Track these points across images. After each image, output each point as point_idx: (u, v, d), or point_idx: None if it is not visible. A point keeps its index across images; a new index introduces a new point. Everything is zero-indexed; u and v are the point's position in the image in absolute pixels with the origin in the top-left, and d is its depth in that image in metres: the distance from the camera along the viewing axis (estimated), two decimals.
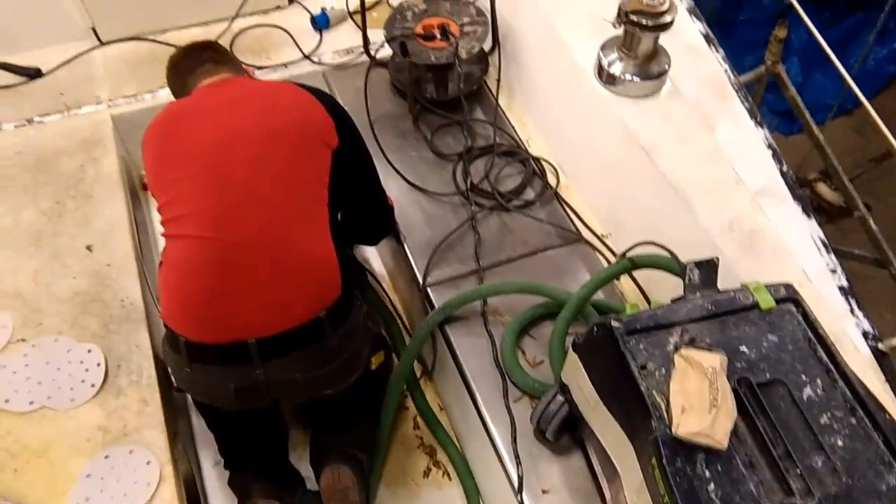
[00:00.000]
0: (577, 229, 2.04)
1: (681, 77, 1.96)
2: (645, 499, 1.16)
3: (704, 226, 1.69)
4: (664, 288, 1.56)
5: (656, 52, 1.93)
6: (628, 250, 1.60)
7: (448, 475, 1.91)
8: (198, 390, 1.65)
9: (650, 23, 1.81)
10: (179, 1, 2.52)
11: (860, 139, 3.68)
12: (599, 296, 1.77)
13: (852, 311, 1.57)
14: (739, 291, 1.31)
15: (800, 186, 1.79)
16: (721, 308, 1.28)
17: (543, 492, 1.55)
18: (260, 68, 2.43)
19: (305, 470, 1.80)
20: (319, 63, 2.49)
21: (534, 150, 2.25)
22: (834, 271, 1.62)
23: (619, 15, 1.85)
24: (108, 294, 1.85)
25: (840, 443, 1.15)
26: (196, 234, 1.49)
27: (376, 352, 1.82)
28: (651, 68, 1.93)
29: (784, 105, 3.08)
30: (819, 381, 1.21)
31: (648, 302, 1.83)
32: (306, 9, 2.64)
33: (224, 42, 2.46)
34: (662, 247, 1.54)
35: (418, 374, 2.04)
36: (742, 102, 1.92)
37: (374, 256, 2.33)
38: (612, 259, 1.94)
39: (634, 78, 1.92)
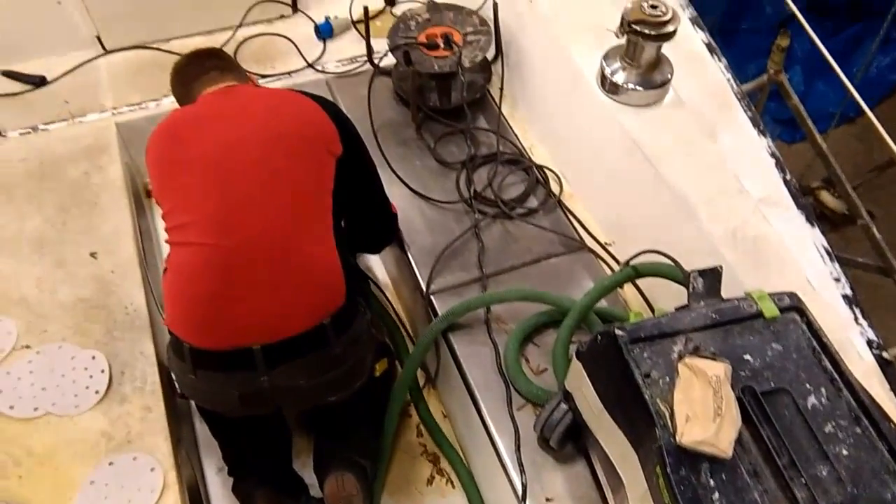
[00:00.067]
0: (581, 237, 2.04)
1: (683, 86, 1.97)
2: None
3: (708, 234, 1.69)
4: (667, 296, 1.56)
5: (659, 62, 1.94)
6: (632, 259, 1.60)
7: (451, 483, 1.91)
8: (202, 397, 1.66)
9: (653, 32, 1.82)
10: (184, 10, 2.54)
11: (863, 147, 3.68)
12: (603, 304, 1.77)
13: (856, 319, 1.57)
14: (743, 300, 1.31)
15: (803, 195, 1.79)
16: (725, 317, 1.28)
17: (547, 500, 1.55)
18: (264, 77, 2.44)
19: (309, 477, 1.80)
20: (323, 72, 2.50)
21: (537, 158, 2.25)
22: (838, 280, 1.62)
23: (621, 24, 1.85)
24: (113, 301, 1.86)
25: (845, 452, 1.15)
26: (200, 241, 1.50)
27: (380, 359, 1.82)
28: (654, 77, 1.93)
29: (787, 113, 3.09)
30: (823, 390, 1.21)
31: (652, 310, 1.83)
32: (310, 18, 2.65)
33: (228, 51, 2.48)
34: (666, 255, 1.55)
35: (422, 382, 2.04)
36: (745, 111, 1.92)
37: (377, 265, 2.34)
38: (616, 267, 1.94)
39: (637, 87, 1.93)
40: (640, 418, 1.19)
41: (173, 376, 1.67)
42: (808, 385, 1.22)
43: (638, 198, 1.93)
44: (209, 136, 1.57)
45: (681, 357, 1.22)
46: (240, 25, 2.61)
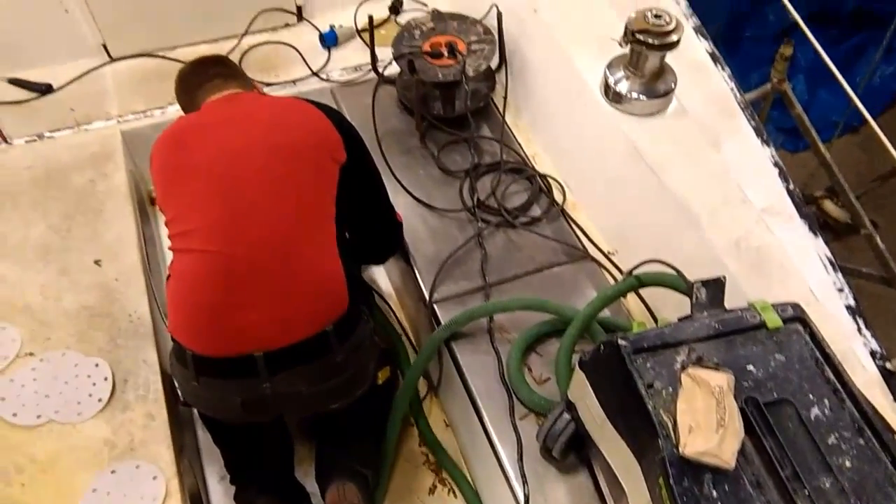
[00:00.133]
0: (584, 246, 2.04)
1: (687, 95, 1.97)
2: None
3: (711, 244, 1.69)
4: (670, 306, 1.56)
5: (662, 71, 1.94)
6: (635, 268, 1.60)
7: (454, 492, 1.90)
8: (204, 404, 1.66)
9: (656, 42, 1.82)
10: (189, 18, 2.55)
11: (866, 156, 3.68)
12: (606, 313, 1.77)
13: (859, 330, 1.56)
14: (746, 311, 1.31)
15: (806, 204, 1.79)
16: (728, 327, 1.28)
17: None
18: (269, 85, 2.45)
19: (311, 486, 1.80)
20: (328, 80, 2.51)
21: (540, 167, 2.26)
22: (841, 290, 1.62)
23: (625, 34, 1.86)
24: (116, 308, 1.86)
25: (848, 464, 1.14)
26: (203, 248, 1.50)
27: (382, 367, 1.82)
28: (657, 87, 1.94)
29: (790, 122, 3.09)
30: (826, 401, 1.21)
31: (655, 320, 1.83)
32: (315, 26, 2.67)
33: (233, 59, 2.47)
34: (669, 265, 1.54)
35: (424, 391, 2.04)
36: (748, 121, 1.93)
37: (380, 274, 2.34)
38: (619, 276, 1.94)
39: (641, 96, 1.93)
40: (643, 429, 1.18)
41: (176, 383, 1.68)
42: (811, 396, 1.21)
43: (641, 207, 1.93)
44: (213, 144, 1.58)
45: (684, 367, 1.22)
46: (245, 34, 2.62)
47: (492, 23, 2.34)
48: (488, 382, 1.75)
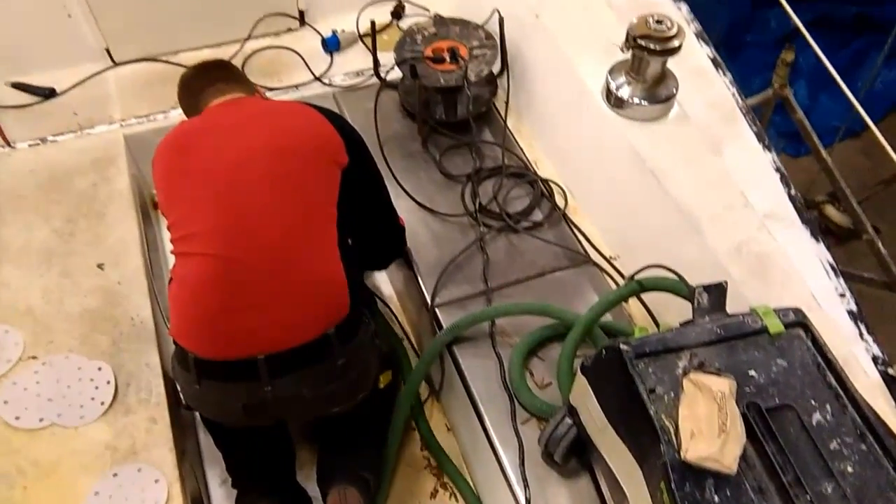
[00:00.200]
0: (586, 251, 2.05)
1: (689, 101, 1.98)
2: None
3: (713, 249, 1.69)
4: (672, 310, 1.56)
5: (664, 76, 1.94)
6: (637, 273, 1.60)
7: (455, 497, 1.90)
8: (206, 407, 1.66)
9: (658, 47, 1.83)
10: (192, 23, 2.56)
11: (868, 161, 3.68)
12: (608, 318, 1.77)
13: (861, 335, 1.56)
14: (748, 315, 1.31)
15: (808, 209, 1.79)
16: (730, 332, 1.28)
17: None
18: (271, 89, 2.46)
19: (312, 490, 1.80)
20: (330, 85, 2.52)
21: (542, 171, 2.26)
22: (843, 295, 1.62)
23: (627, 39, 1.87)
24: (119, 312, 1.86)
25: (850, 469, 1.14)
26: (205, 251, 1.50)
27: (384, 371, 1.82)
28: (659, 92, 1.94)
29: (792, 127, 3.09)
30: (828, 407, 1.21)
31: (657, 324, 1.83)
32: (318, 31, 2.68)
33: (236, 63, 2.49)
34: (671, 270, 1.55)
35: (426, 395, 2.04)
36: (750, 126, 1.93)
37: (382, 278, 2.34)
38: (621, 281, 1.94)
39: (642, 101, 1.93)
40: (645, 434, 1.18)
41: (178, 387, 1.68)
42: (812, 401, 1.21)
43: (643, 212, 1.94)
44: (215, 148, 1.58)
45: (686, 372, 1.22)
46: (248, 38, 2.63)
47: (494, 28, 2.34)
48: (490, 387, 1.75)
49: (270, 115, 1.68)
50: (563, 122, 2.26)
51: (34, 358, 1.77)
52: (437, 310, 1.91)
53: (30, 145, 2.28)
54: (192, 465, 1.82)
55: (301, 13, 2.70)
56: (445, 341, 1.82)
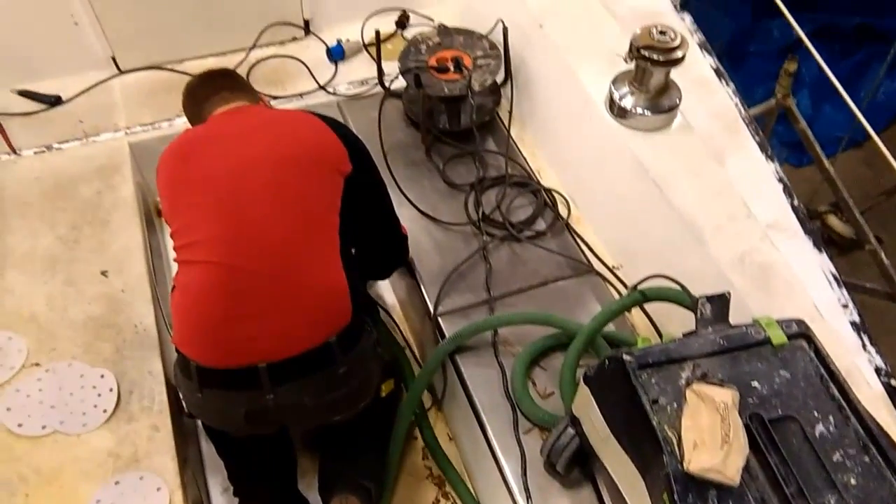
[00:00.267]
0: (588, 261, 2.05)
1: (692, 111, 1.98)
2: None
3: (715, 259, 1.69)
4: (675, 321, 1.56)
5: (667, 87, 1.95)
6: (640, 283, 1.60)
7: None
8: (208, 415, 1.66)
9: (661, 58, 1.83)
10: (198, 32, 2.57)
11: (871, 172, 3.68)
12: (610, 328, 1.77)
13: (864, 346, 1.56)
14: (751, 326, 1.31)
15: (810, 219, 1.79)
16: (733, 343, 1.28)
17: None
18: (276, 98, 2.47)
19: (314, 498, 1.80)
20: (334, 93, 2.53)
21: (545, 181, 2.26)
22: (846, 306, 1.62)
23: (630, 50, 1.87)
24: (122, 319, 1.87)
25: (853, 481, 1.14)
26: (207, 259, 1.51)
27: (386, 379, 1.82)
28: (662, 102, 1.94)
29: (795, 136, 3.09)
30: (831, 418, 1.21)
31: (660, 335, 1.83)
32: (322, 41, 2.69)
33: (241, 72, 2.51)
34: (674, 280, 1.55)
35: (428, 404, 2.04)
36: (753, 136, 1.94)
37: (385, 287, 2.34)
38: (623, 291, 1.95)
39: (645, 112, 1.94)
40: (648, 444, 1.18)
41: (180, 395, 1.68)
42: (815, 413, 1.21)
43: (646, 222, 1.94)
44: (218, 156, 1.58)
45: (689, 383, 1.22)
46: (253, 47, 2.64)
47: (497, 38, 2.36)
48: (492, 396, 1.75)
49: (274, 123, 1.68)
50: (567, 132, 2.26)
51: (37, 365, 1.77)
52: (439, 319, 1.91)
53: (35, 153, 2.28)
54: (194, 473, 1.82)
55: (306, 22, 2.71)
56: (448, 350, 1.82)
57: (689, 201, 1.80)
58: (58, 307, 1.88)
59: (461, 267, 2.00)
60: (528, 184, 2.22)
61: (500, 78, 2.39)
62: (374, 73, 2.47)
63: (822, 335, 1.32)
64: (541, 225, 2.13)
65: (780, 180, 1.84)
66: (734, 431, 1.13)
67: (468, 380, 1.79)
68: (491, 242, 2.06)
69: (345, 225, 1.61)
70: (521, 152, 2.34)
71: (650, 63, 1.85)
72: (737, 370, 1.25)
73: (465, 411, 1.79)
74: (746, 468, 1.13)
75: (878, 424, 1.20)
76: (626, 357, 1.25)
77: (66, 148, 2.31)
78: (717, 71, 2.10)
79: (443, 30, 2.42)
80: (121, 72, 2.57)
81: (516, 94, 2.38)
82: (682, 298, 1.55)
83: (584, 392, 1.39)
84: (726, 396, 1.18)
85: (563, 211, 2.18)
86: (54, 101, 2.45)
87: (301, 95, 2.51)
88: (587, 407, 1.38)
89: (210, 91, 1.76)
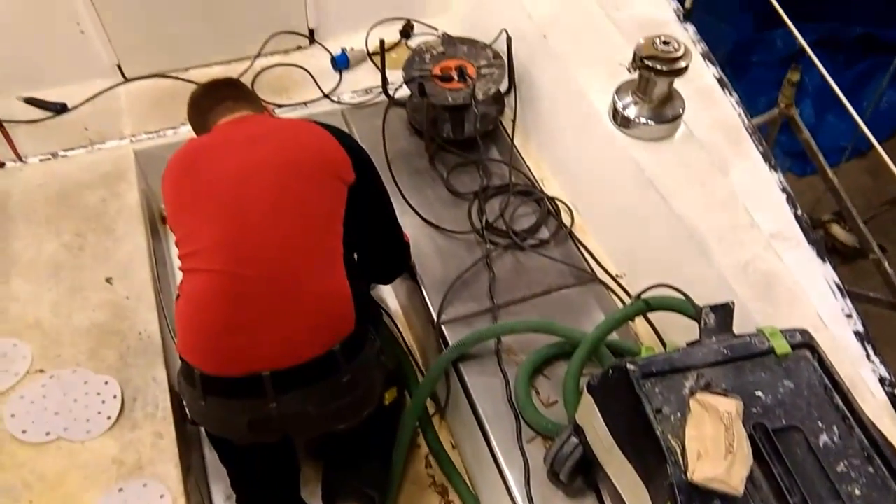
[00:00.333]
0: (592, 269, 2.05)
1: (695, 120, 1.99)
2: None
3: (719, 269, 1.69)
4: (678, 330, 1.56)
5: (671, 97, 1.95)
6: (643, 292, 1.60)
7: None
8: (212, 423, 1.66)
9: (665, 68, 1.84)
10: (203, 40, 2.59)
11: (874, 181, 3.68)
12: (614, 337, 1.77)
13: (868, 356, 1.56)
14: (755, 336, 1.31)
15: (814, 228, 1.79)
16: (737, 353, 1.28)
17: None
18: (280, 106, 2.48)
19: None
20: (339, 102, 2.54)
21: (549, 189, 2.27)
22: (849, 316, 1.62)
23: (633, 60, 1.88)
24: (127, 326, 1.87)
25: (857, 492, 1.14)
26: (211, 267, 1.51)
27: (389, 387, 1.82)
28: (665, 112, 1.95)
29: (798, 146, 3.10)
30: (835, 429, 1.21)
31: (663, 344, 1.83)
32: (327, 49, 2.70)
33: (246, 80, 2.52)
34: (677, 290, 1.55)
35: (431, 412, 2.04)
36: (756, 146, 1.94)
37: (388, 294, 2.35)
38: (627, 300, 1.95)
39: (649, 121, 1.94)
40: (651, 454, 1.18)
41: (184, 402, 1.68)
42: (819, 423, 1.21)
43: (649, 231, 1.94)
44: (222, 165, 1.59)
45: (692, 393, 1.22)
46: (258, 56, 2.66)
47: (501, 47, 2.36)
48: (496, 405, 1.75)
49: (278, 132, 1.69)
50: (570, 141, 2.27)
51: (41, 371, 1.77)
52: (443, 327, 1.91)
53: (41, 160, 2.29)
54: (198, 480, 1.82)
55: (311, 31, 2.73)
56: (451, 358, 1.83)
57: (693, 211, 1.80)
58: (62, 314, 1.88)
59: (464, 275, 2.00)
60: (531, 192, 2.23)
61: (503, 87, 2.40)
62: (379, 81, 2.48)
63: (825, 345, 1.32)
64: (544, 233, 2.13)
65: (784, 190, 1.84)
66: (738, 441, 1.13)
67: (471, 388, 1.79)
68: (494, 251, 2.06)
69: (348, 233, 1.61)
70: (524, 161, 2.35)
71: (654, 73, 1.86)
72: (741, 380, 1.25)
73: (468, 420, 1.79)
74: (750, 478, 1.12)
75: (882, 435, 1.20)
76: (629, 366, 1.25)
77: (71, 155, 2.31)
78: (720, 81, 2.10)
79: (447, 39, 2.44)
80: (126, 80, 2.58)
81: (520, 104, 2.39)
82: (686, 308, 1.54)
83: (587, 401, 1.39)
84: (730, 406, 1.18)
85: (566, 219, 2.18)
86: (60, 109, 2.46)
87: (306, 104, 2.52)
88: (591, 416, 1.38)
89: (214, 101, 1.77)
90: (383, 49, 2.41)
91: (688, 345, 1.34)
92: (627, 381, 1.24)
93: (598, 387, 1.36)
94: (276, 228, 1.52)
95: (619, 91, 2.01)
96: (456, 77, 2.28)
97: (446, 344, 1.87)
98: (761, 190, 1.85)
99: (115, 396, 1.73)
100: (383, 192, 1.82)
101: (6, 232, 2.06)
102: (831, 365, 1.28)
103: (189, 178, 1.60)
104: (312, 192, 1.58)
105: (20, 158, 2.28)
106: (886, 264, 2.72)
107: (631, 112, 1.96)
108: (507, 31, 2.35)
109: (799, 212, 1.80)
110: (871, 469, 1.16)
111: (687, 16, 2.28)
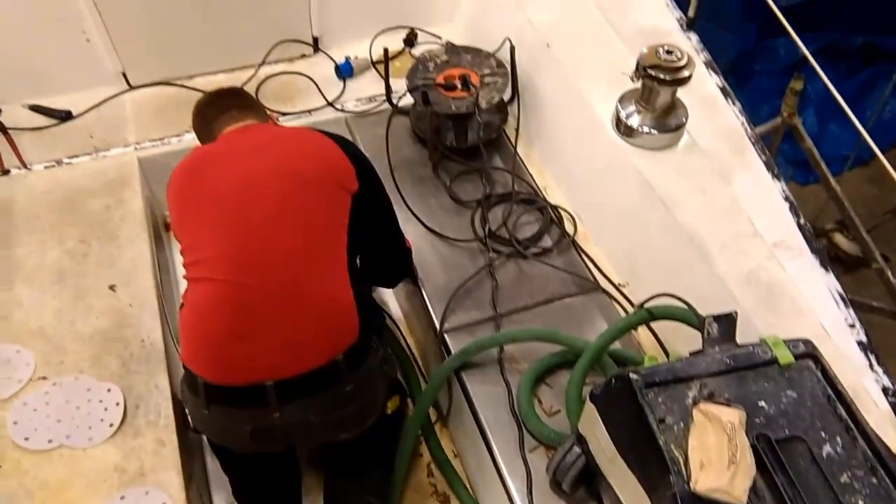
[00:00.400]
0: (595, 278, 2.05)
1: (698, 129, 1.99)
2: None
3: (722, 278, 1.69)
4: (681, 339, 1.56)
5: (674, 106, 1.96)
6: (646, 301, 1.60)
7: None
8: (214, 432, 1.66)
9: (668, 77, 1.84)
10: (207, 48, 2.60)
11: (877, 190, 3.67)
12: (617, 346, 1.77)
13: (871, 366, 1.56)
14: (758, 346, 1.31)
15: (817, 237, 1.79)
16: (740, 363, 1.28)
17: None
18: (284, 114, 2.49)
19: None
20: (342, 110, 2.54)
21: (552, 198, 2.27)
22: (852, 326, 1.62)
23: (637, 69, 1.88)
24: (130, 334, 1.87)
25: (861, 503, 1.13)
26: (215, 277, 1.51)
27: (392, 396, 1.82)
28: (668, 121, 1.95)
29: (800, 155, 3.09)
30: (839, 439, 1.21)
31: (666, 353, 1.83)
32: (331, 58, 2.71)
33: (250, 88, 2.53)
34: (680, 299, 1.55)
35: (433, 420, 2.04)
36: (759, 155, 1.94)
37: (391, 301, 2.35)
38: (630, 309, 1.94)
39: (652, 130, 1.95)
40: (654, 464, 1.18)
41: (187, 411, 1.68)
42: (823, 433, 1.21)
43: (652, 240, 1.94)
44: (227, 174, 1.60)
45: (695, 403, 1.22)
46: (262, 64, 2.67)
47: (505, 56, 2.37)
48: (498, 413, 1.75)
49: (282, 140, 1.70)
50: (573, 150, 2.27)
51: (44, 378, 1.78)
52: (445, 335, 1.91)
53: (45, 167, 2.30)
54: (199, 488, 1.82)
55: (315, 40, 2.73)
56: (453, 367, 1.82)
57: (696, 220, 1.80)
58: (65, 321, 1.89)
59: (467, 283, 2.00)
60: (534, 201, 2.23)
61: (507, 96, 2.40)
62: (382, 90, 2.48)
63: (828, 355, 1.32)
64: (547, 242, 2.14)
65: (787, 199, 1.84)
66: (741, 451, 1.13)
67: (474, 397, 1.79)
68: (497, 259, 2.06)
69: (351, 241, 1.61)
70: (527, 169, 2.35)
71: (657, 82, 1.87)
72: (744, 390, 1.25)
73: (471, 428, 1.79)
74: (753, 489, 1.12)
75: (885, 446, 1.20)
76: (632, 376, 1.25)
77: (75, 162, 2.32)
78: (723, 90, 2.10)
79: (450, 48, 2.44)
80: (131, 87, 2.59)
81: (523, 112, 2.40)
82: (689, 317, 1.54)
83: (590, 410, 1.39)
84: (733, 416, 1.17)
85: (569, 228, 2.18)
86: (65, 116, 2.47)
87: (309, 112, 2.52)
88: (593, 425, 1.38)
89: (219, 110, 1.78)
90: (387, 57, 2.42)
91: (691, 354, 1.34)
92: (630, 391, 1.24)
93: (600, 396, 1.36)
94: (279, 238, 1.53)
95: (622, 100, 2.01)
96: (459, 86, 2.29)
97: (449, 352, 1.87)
98: (764, 199, 1.85)
99: (117, 404, 1.73)
100: (386, 201, 1.82)
101: (10, 238, 2.07)
102: (834, 375, 1.28)
103: (193, 187, 1.61)
104: (316, 202, 1.59)
105: (25, 165, 2.29)
106: (889, 273, 2.71)
107: (634, 121, 1.96)
108: (510, 40, 2.35)
109: (802, 221, 1.79)
110: (874, 480, 1.16)
111: (690, 25, 2.28)
